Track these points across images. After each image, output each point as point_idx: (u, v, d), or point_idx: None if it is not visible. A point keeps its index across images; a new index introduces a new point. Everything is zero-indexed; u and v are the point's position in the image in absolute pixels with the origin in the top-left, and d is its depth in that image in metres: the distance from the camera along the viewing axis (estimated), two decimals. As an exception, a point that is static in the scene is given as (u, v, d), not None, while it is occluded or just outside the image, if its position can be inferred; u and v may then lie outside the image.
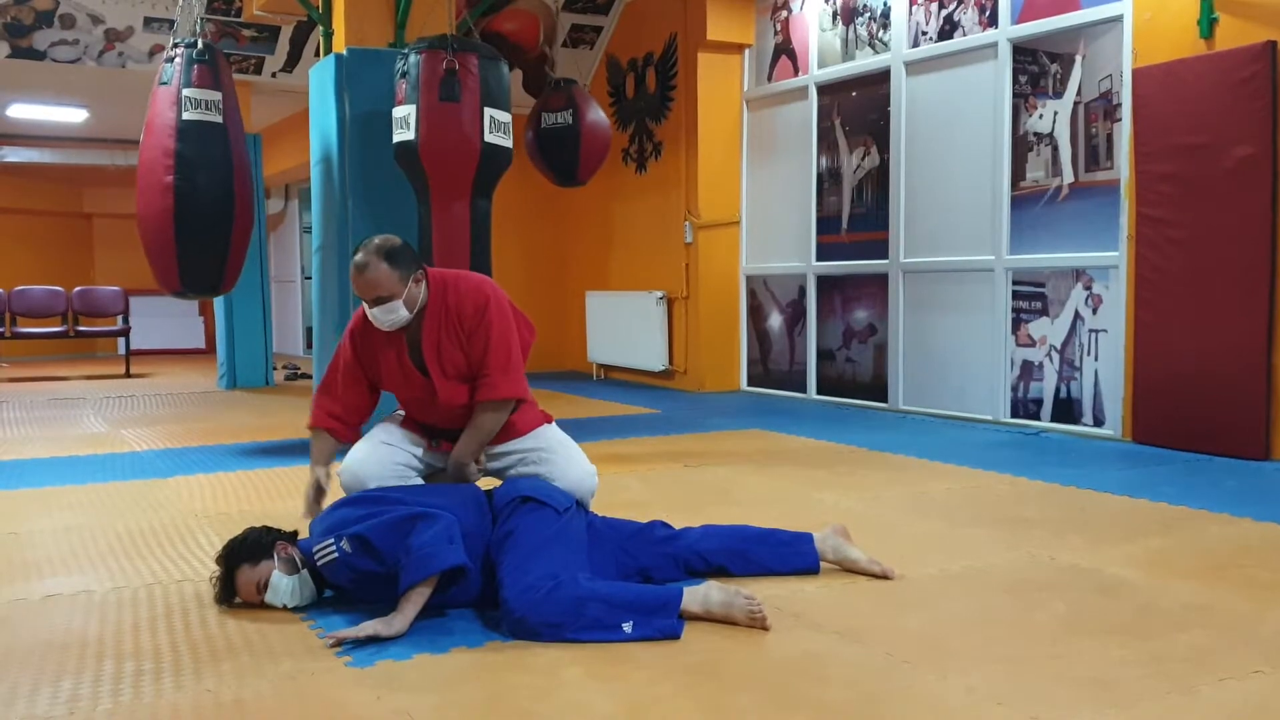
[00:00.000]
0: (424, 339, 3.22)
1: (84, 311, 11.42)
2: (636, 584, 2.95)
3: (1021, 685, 2.33)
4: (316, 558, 2.85)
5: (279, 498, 4.47)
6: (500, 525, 2.90)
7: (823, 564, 3.21)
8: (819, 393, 7.93)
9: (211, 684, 2.38)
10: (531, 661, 2.50)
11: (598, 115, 6.81)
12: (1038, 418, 6.30)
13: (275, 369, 10.12)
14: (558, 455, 3.36)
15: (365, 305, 3.19)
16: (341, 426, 3.33)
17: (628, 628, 2.63)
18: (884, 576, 3.13)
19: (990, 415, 6.57)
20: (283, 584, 2.87)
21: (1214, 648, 2.55)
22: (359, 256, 3.14)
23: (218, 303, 9.43)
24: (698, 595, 2.74)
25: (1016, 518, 3.95)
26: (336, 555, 2.80)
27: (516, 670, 2.45)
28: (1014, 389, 6.45)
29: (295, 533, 3.00)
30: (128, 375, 10.86)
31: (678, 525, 3.32)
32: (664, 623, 2.66)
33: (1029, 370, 6.35)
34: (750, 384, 8.65)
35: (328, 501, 3.17)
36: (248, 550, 2.89)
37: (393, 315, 3.15)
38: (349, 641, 2.60)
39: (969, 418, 6.70)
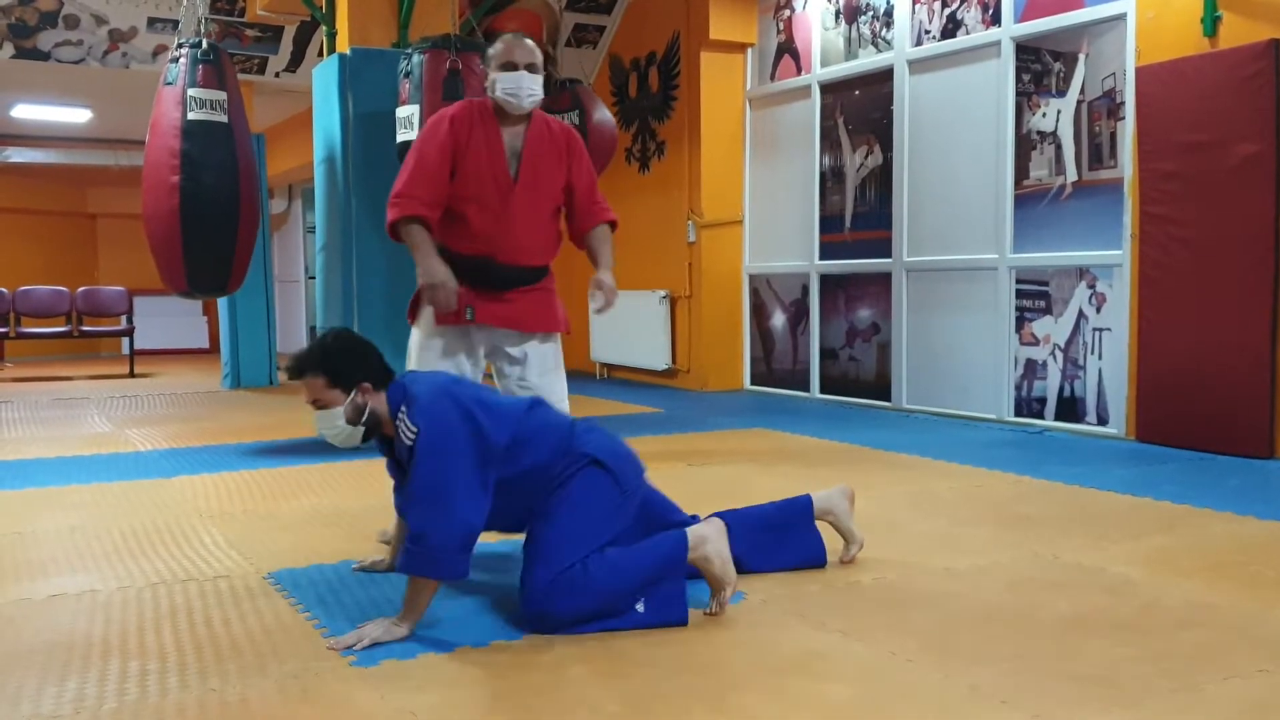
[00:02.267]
0: (526, 146, 3.35)
1: (88, 311, 11.44)
2: (650, 545, 2.81)
3: (1025, 684, 2.33)
4: (396, 422, 2.72)
5: (284, 497, 4.48)
6: (559, 484, 2.78)
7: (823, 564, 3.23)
8: (822, 392, 7.93)
9: (216, 683, 2.39)
10: (536, 659, 2.50)
11: (604, 115, 6.81)
12: (1041, 416, 6.29)
13: (279, 369, 10.13)
14: (561, 373, 3.61)
15: (511, 73, 3.30)
16: (430, 213, 3.34)
17: (640, 608, 2.68)
18: (849, 561, 3.25)
19: (994, 414, 6.57)
20: (336, 424, 2.75)
21: (1218, 646, 2.55)
22: (517, 33, 3.46)
23: (221, 302, 9.44)
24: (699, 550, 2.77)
25: (1020, 516, 3.95)
26: (408, 444, 2.69)
27: (521, 668, 2.45)
28: (1018, 388, 6.45)
29: (390, 375, 2.81)
30: (132, 375, 10.87)
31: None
32: (671, 588, 2.72)
33: (1033, 369, 6.35)
34: (753, 383, 8.65)
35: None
36: (333, 367, 2.73)
37: (535, 89, 3.32)
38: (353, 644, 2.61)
39: (972, 416, 6.70)
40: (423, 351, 3.49)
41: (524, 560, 2.76)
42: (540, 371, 3.51)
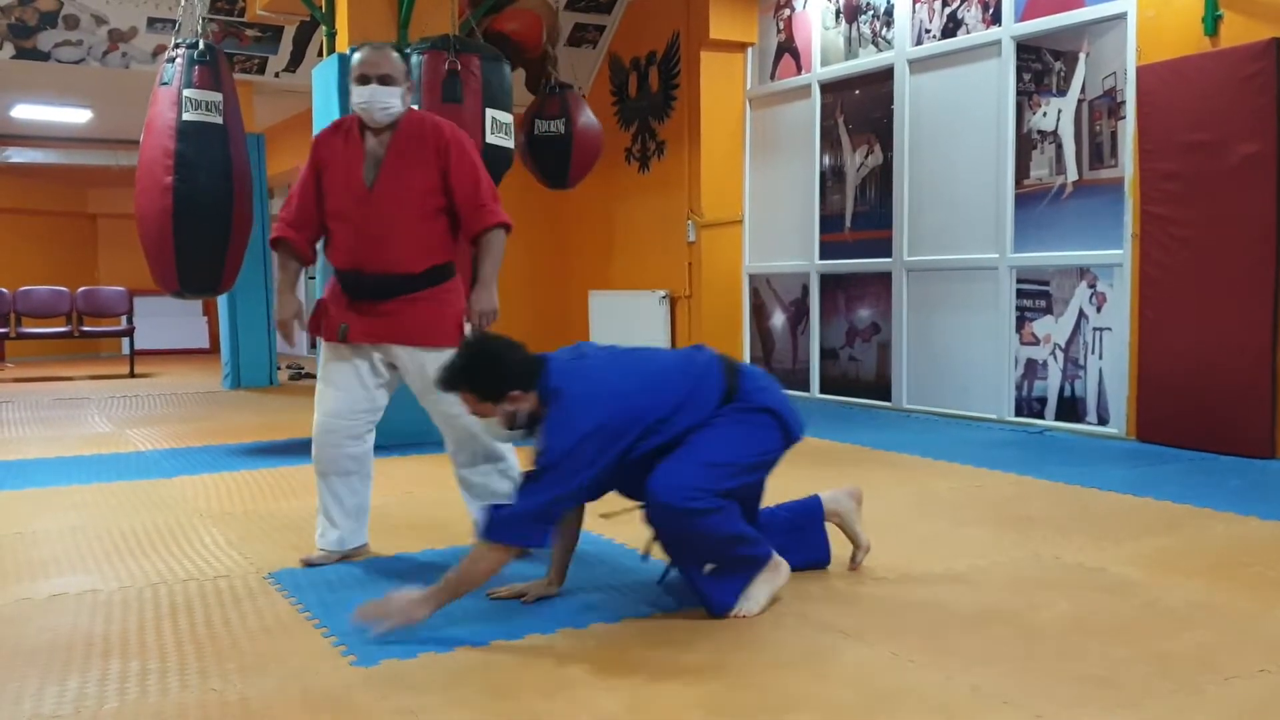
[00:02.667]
0: (389, 151, 3.28)
1: (88, 312, 11.44)
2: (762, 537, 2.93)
3: (1026, 684, 2.32)
4: (545, 419, 2.75)
5: (284, 497, 4.48)
6: (724, 411, 2.85)
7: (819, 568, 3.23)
8: (822, 392, 7.93)
9: (217, 683, 2.38)
10: (536, 659, 2.50)
11: (589, 119, 6.81)
12: (1042, 416, 6.29)
13: (279, 369, 10.13)
14: None
15: (364, 87, 3.23)
16: (295, 234, 3.34)
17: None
18: (856, 568, 3.24)
19: (994, 414, 6.57)
20: (497, 432, 2.86)
21: (1219, 647, 2.55)
22: (377, 43, 3.38)
23: (221, 303, 9.44)
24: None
25: (1021, 516, 3.95)
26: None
27: (522, 668, 2.45)
28: (1018, 387, 6.44)
29: (538, 370, 2.79)
30: (132, 375, 10.87)
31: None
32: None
33: (1033, 369, 6.35)
34: (754, 383, 8.63)
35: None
36: (477, 383, 2.77)
37: (390, 101, 3.24)
38: (372, 624, 2.63)
39: (973, 416, 6.70)
40: (323, 369, 3.41)
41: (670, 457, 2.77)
42: (423, 388, 3.28)
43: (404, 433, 5.80)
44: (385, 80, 3.22)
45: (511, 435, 2.86)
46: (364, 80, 3.22)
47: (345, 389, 3.34)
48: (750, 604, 2.82)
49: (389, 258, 3.25)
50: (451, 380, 2.79)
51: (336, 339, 3.30)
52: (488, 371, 2.76)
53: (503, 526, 2.67)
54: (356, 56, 3.28)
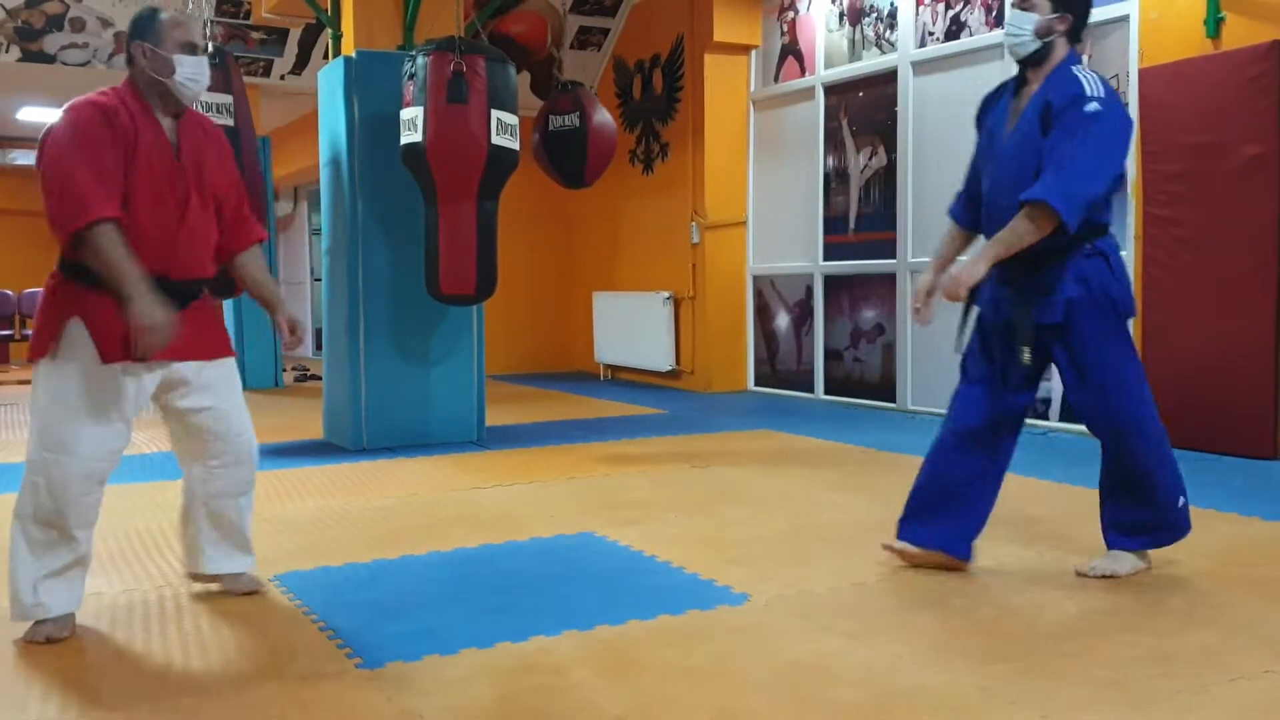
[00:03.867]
0: (182, 140, 2.84)
1: (93, 314, 11.44)
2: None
3: (1032, 685, 2.33)
4: (1072, 70, 2.98)
5: (290, 499, 4.48)
6: None
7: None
8: (827, 393, 7.93)
9: (222, 686, 2.39)
10: (541, 662, 2.51)
11: (604, 117, 6.82)
12: (1046, 417, 6.29)
13: (285, 370, 10.14)
14: (238, 399, 3.06)
15: (194, 57, 2.78)
16: (122, 216, 2.68)
17: (1180, 502, 3.04)
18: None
19: (998, 415, 6.55)
20: (1024, 28, 2.99)
21: (1224, 647, 2.55)
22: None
23: (227, 304, 9.42)
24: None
25: (1026, 517, 3.95)
26: (1082, 95, 2.94)
27: (526, 671, 2.46)
28: (1022, 389, 6.43)
29: (1080, 33, 3.06)
30: (137, 377, 10.88)
31: (688, 525, 3.33)
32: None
33: (1037, 370, 6.33)
34: (757, 384, 8.65)
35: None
36: None
37: (204, 73, 2.83)
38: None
39: (977, 418, 6.68)
40: (64, 403, 2.69)
41: None
42: (232, 398, 3.02)
43: (404, 434, 5.83)
44: (205, 52, 2.88)
45: (1023, 41, 2.98)
46: (193, 49, 2.80)
47: (121, 420, 2.79)
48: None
49: (200, 260, 2.93)
50: None
51: (135, 356, 2.70)
52: None
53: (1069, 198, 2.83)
54: (169, 20, 2.81)
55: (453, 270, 5.36)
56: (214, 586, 3.10)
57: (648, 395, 8.39)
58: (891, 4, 7.27)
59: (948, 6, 6.87)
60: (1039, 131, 2.92)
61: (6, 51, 8.12)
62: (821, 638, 2.66)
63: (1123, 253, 5.76)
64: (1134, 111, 5.71)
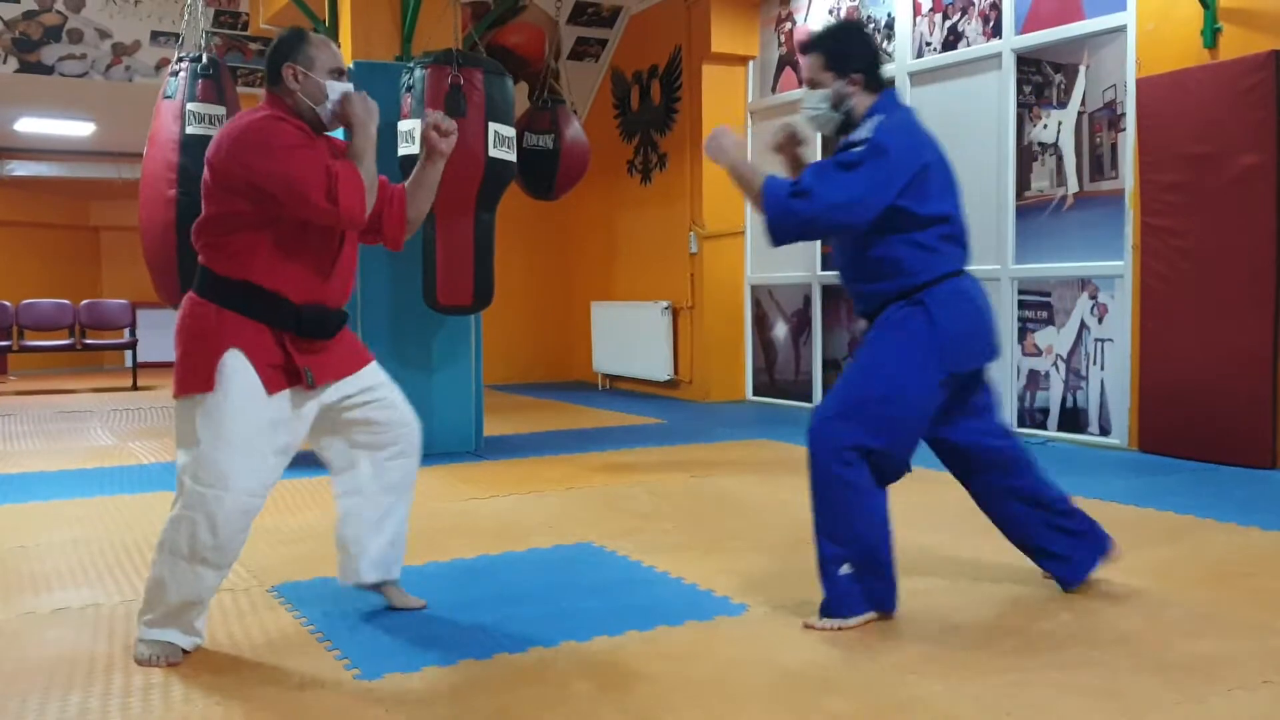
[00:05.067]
0: None
1: (91, 324, 11.44)
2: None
3: (1029, 695, 2.32)
4: (861, 124, 2.89)
5: (287, 510, 4.48)
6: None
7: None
8: (825, 403, 7.91)
9: (220, 697, 2.39)
10: (541, 673, 2.50)
11: (577, 132, 6.79)
12: (1045, 427, 6.29)
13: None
14: (399, 392, 3.09)
15: (345, 83, 2.75)
16: None
17: (845, 569, 2.78)
18: None
19: (996, 425, 6.56)
20: (819, 105, 2.97)
21: (1223, 658, 2.55)
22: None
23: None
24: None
25: (1023, 528, 3.94)
26: (856, 142, 2.87)
27: (525, 682, 2.45)
28: (1021, 398, 6.45)
29: (883, 84, 3.00)
30: (135, 388, 10.87)
31: (686, 535, 3.32)
32: (877, 584, 2.81)
33: (1035, 380, 6.35)
34: (756, 394, 8.65)
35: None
36: (833, 49, 2.95)
37: None
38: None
39: (975, 427, 6.68)
40: (225, 438, 2.65)
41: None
42: (394, 390, 3.04)
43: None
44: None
45: (824, 116, 2.95)
46: (341, 75, 2.78)
47: (286, 449, 2.84)
48: None
49: (347, 289, 2.91)
50: (817, 39, 2.94)
51: (304, 383, 2.74)
52: (849, 43, 2.93)
53: (786, 212, 2.81)
54: (319, 43, 2.77)
55: (450, 281, 5.36)
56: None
57: (646, 405, 8.39)
58: (889, 14, 7.29)
59: (945, 17, 6.89)
60: None
61: (4, 63, 8.14)
62: (819, 648, 2.65)
63: (1121, 262, 5.77)
64: (1131, 121, 5.73)
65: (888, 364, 2.85)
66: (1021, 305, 6.42)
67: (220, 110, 5.54)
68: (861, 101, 2.90)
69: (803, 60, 2.99)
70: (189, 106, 5.46)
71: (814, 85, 2.95)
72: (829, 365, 7.89)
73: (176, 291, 5.64)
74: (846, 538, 2.78)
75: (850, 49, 2.91)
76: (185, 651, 2.65)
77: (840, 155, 2.82)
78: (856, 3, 7.55)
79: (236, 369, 2.64)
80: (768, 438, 6.45)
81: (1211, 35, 5.33)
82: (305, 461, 5.85)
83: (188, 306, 2.72)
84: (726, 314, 8.60)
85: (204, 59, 5.55)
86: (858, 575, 2.77)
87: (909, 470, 2.90)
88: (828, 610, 2.79)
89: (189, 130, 5.46)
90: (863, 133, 2.82)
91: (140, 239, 5.70)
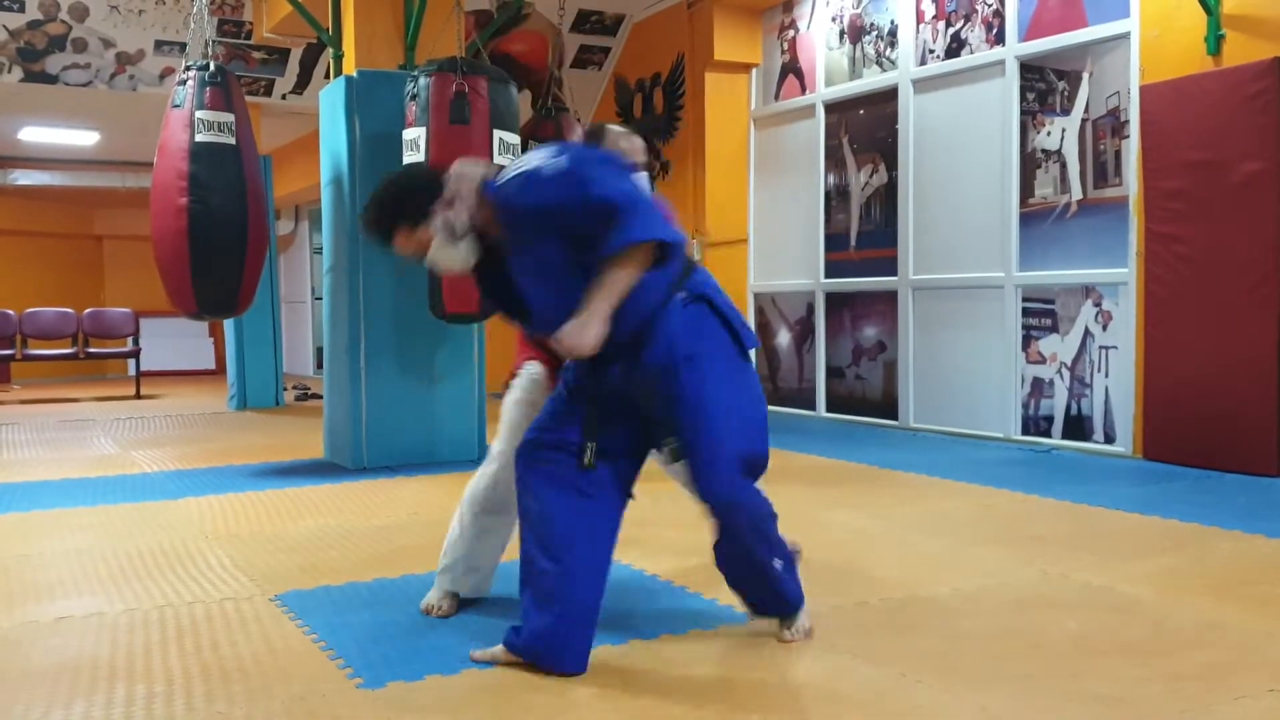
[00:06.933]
0: None
1: (94, 333, 11.46)
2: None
3: (1034, 704, 2.31)
4: (489, 197, 2.56)
5: (290, 519, 4.48)
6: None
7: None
8: (828, 410, 7.92)
9: (223, 705, 2.38)
10: (543, 681, 2.50)
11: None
12: (1049, 435, 6.28)
13: (286, 390, 10.15)
14: None
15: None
16: None
17: (779, 564, 2.72)
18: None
19: (1001, 433, 6.56)
20: (450, 254, 2.61)
21: (1228, 666, 2.54)
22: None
23: (228, 324, 9.46)
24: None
25: (1028, 535, 3.94)
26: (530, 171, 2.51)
27: (528, 690, 2.45)
28: (1025, 406, 6.44)
29: (434, 173, 2.68)
30: (138, 396, 10.89)
31: (690, 543, 3.30)
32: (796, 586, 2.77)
33: (1040, 387, 6.34)
34: (759, 402, 8.63)
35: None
36: (402, 212, 2.60)
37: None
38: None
39: (980, 435, 6.69)
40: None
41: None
42: None
43: (406, 453, 5.82)
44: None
45: (462, 252, 2.62)
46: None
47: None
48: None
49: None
50: (379, 231, 2.63)
51: None
52: (403, 198, 2.62)
53: (641, 226, 2.42)
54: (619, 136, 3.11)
55: (457, 290, 5.36)
56: (213, 605, 3.09)
57: (649, 413, 8.37)
58: (892, 22, 7.30)
59: (948, 24, 6.90)
60: None
61: (9, 72, 8.16)
62: (824, 657, 2.64)
63: (1125, 269, 5.77)
64: (1134, 128, 5.73)
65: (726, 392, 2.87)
66: (1026, 313, 6.42)
67: (229, 118, 5.56)
68: (459, 209, 2.60)
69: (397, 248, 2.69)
70: (198, 114, 5.48)
71: (425, 253, 2.64)
72: (832, 373, 7.88)
73: (191, 300, 5.65)
74: (776, 544, 2.76)
75: (406, 201, 2.62)
76: None
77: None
78: (859, 11, 7.57)
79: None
80: (771, 445, 6.41)
81: (1215, 42, 5.33)
82: (305, 471, 5.85)
83: None
84: (730, 322, 8.58)
85: (212, 67, 5.57)
86: (787, 565, 2.78)
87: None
88: (795, 607, 2.79)
89: (199, 138, 5.48)
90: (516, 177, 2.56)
91: (152, 248, 5.71)
